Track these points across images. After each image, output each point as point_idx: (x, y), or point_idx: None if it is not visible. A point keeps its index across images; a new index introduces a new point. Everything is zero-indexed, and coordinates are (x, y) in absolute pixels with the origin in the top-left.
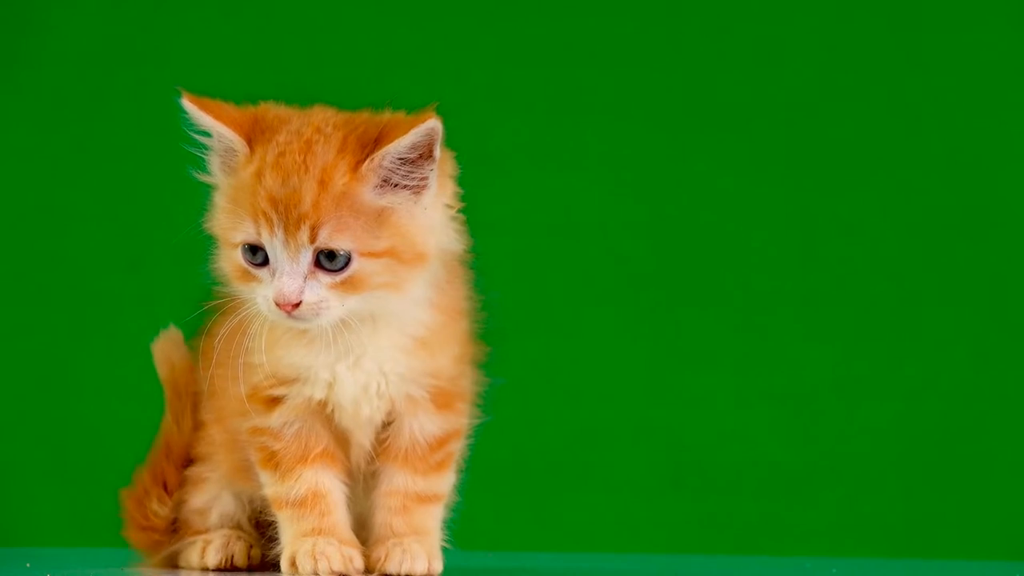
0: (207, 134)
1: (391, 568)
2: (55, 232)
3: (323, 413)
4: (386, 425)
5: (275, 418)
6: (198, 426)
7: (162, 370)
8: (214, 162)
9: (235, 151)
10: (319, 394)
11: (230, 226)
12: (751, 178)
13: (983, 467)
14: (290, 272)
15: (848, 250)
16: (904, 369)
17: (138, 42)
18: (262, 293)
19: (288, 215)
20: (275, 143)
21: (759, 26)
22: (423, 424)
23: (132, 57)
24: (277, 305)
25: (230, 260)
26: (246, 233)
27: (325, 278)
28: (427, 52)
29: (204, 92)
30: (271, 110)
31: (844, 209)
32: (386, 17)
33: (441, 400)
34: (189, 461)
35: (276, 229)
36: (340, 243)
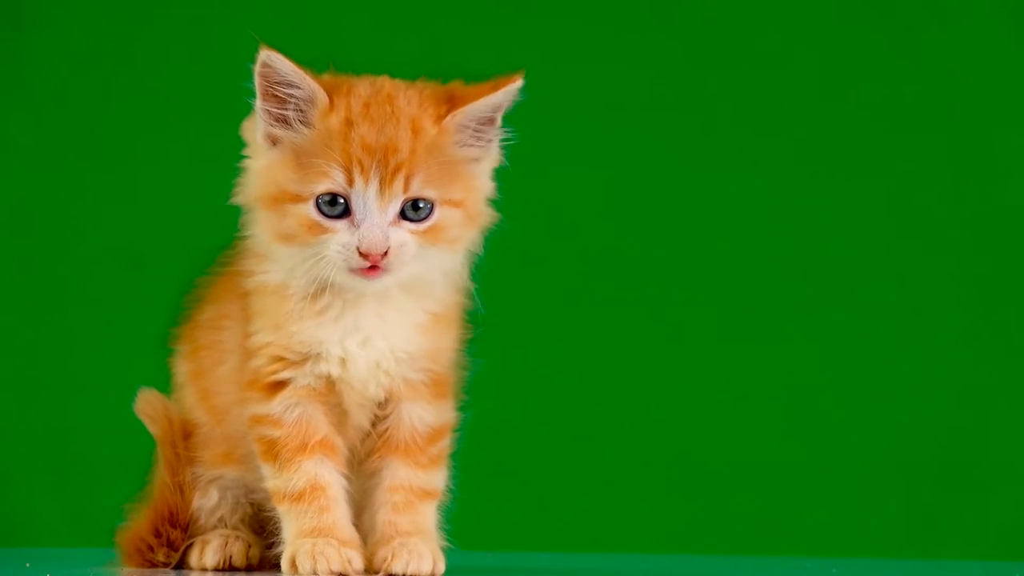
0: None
1: (397, 568)
2: (55, 232)
3: (325, 396)
4: (383, 417)
5: (276, 404)
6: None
7: (157, 427)
8: (268, 118)
9: (314, 102)
10: (334, 371)
11: (303, 178)
12: (751, 178)
13: (983, 467)
14: (378, 223)
15: (848, 250)
16: (904, 369)
17: (137, 42)
18: (340, 241)
19: (385, 164)
20: (356, 95)
21: (760, 27)
22: (421, 414)
23: (132, 57)
24: (362, 255)
25: (297, 215)
26: (331, 183)
27: (408, 226)
28: (425, 52)
29: (205, 90)
30: (330, 73)
31: (845, 209)
32: (383, 17)
33: (436, 389)
34: (191, 521)
35: (371, 178)
36: (428, 192)
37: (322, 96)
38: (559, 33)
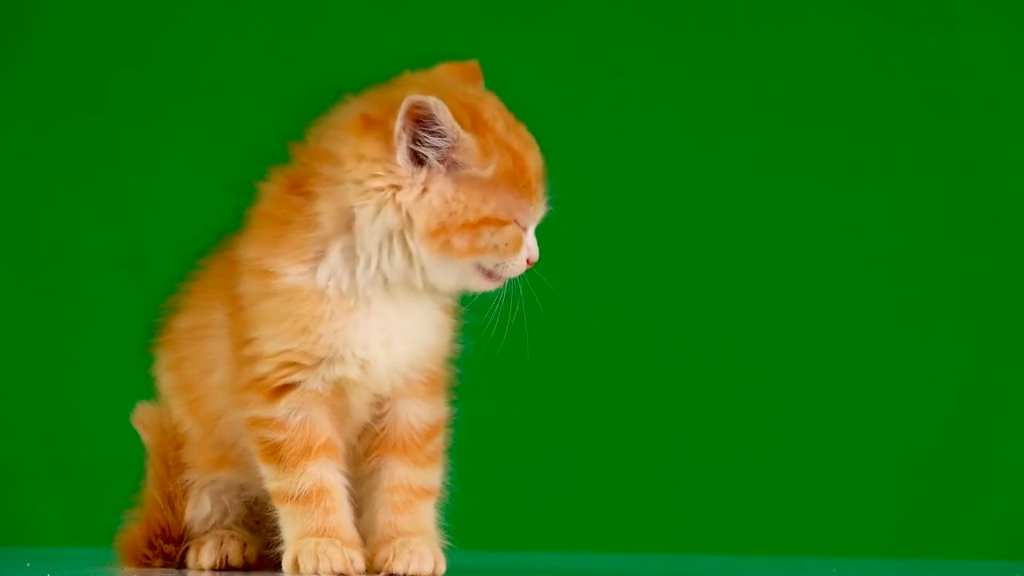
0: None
1: (398, 568)
2: (55, 232)
3: (329, 399)
4: (379, 416)
5: (280, 407)
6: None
7: (151, 435)
8: (411, 154)
9: (465, 147)
10: (353, 373)
11: (503, 207)
12: (752, 178)
13: (983, 467)
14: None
15: (849, 250)
16: (904, 369)
17: (137, 42)
18: (521, 256)
19: (544, 186)
20: (491, 122)
21: (760, 27)
22: (417, 411)
23: (132, 57)
24: (528, 264)
25: (508, 233)
26: (533, 211)
27: None
28: (424, 52)
29: (205, 90)
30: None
31: (845, 209)
32: (381, 16)
33: (431, 386)
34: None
35: (545, 201)
36: None
37: (472, 142)
38: (557, 33)
